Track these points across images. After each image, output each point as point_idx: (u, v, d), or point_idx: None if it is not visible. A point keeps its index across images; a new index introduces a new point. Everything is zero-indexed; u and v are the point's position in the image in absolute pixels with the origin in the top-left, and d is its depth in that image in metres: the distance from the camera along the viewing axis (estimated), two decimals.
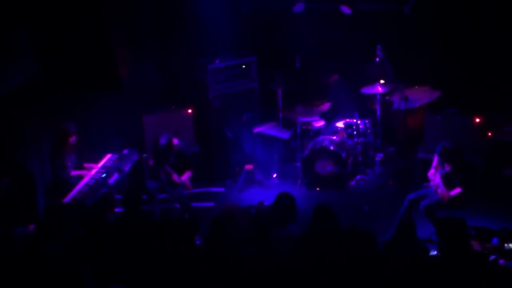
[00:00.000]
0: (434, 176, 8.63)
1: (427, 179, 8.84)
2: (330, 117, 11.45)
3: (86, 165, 9.21)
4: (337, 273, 5.77)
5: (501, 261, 7.14)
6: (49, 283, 5.84)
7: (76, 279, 5.97)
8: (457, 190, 8.37)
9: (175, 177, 9.34)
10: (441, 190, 8.45)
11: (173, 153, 9.40)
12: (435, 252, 6.95)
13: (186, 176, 9.52)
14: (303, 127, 11.12)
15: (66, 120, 9.07)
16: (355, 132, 10.96)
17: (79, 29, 9.49)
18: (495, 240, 7.67)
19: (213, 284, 5.87)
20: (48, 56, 9.60)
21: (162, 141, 9.20)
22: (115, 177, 9.11)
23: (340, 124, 11.09)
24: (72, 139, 8.95)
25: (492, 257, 7.07)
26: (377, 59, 10.34)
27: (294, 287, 5.76)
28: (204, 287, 5.92)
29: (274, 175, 11.18)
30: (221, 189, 10.96)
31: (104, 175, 8.93)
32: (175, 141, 9.40)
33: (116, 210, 7.77)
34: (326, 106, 11.50)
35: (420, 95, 10.72)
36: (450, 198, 8.38)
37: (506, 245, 7.54)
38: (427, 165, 8.93)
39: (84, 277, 6.07)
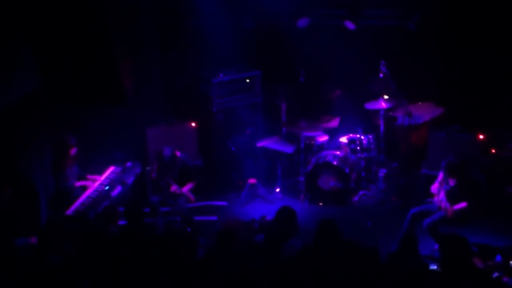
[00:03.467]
0: (438, 191, 8.62)
1: (430, 195, 8.84)
2: (334, 132, 11.44)
3: (89, 176, 9.22)
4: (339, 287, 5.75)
5: (505, 279, 7.11)
6: None
7: None
8: (462, 204, 8.35)
9: (174, 188, 9.32)
10: (445, 204, 8.43)
11: (177, 166, 9.42)
12: (435, 267, 6.92)
13: (187, 188, 9.50)
14: (307, 142, 11.11)
15: (67, 133, 9.09)
16: (358, 148, 10.94)
17: (82, 41, 9.51)
18: (498, 258, 7.63)
19: None
20: (51, 68, 9.61)
21: (167, 153, 9.23)
22: (118, 189, 9.13)
23: (343, 139, 11.09)
24: (73, 151, 8.96)
25: (495, 274, 7.04)
26: (381, 75, 10.35)
27: None
28: None
29: (277, 190, 11.17)
30: (224, 203, 10.94)
31: (107, 187, 8.93)
32: (178, 153, 9.42)
33: (119, 223, 7.76)
34: (335, 122, 11.48)
35: (424, 111, 10.72)
36: (454, 212, 8.35)
37: (511, 262, 7.49)
38: (430, 181, 8.92)
39: None
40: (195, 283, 6.01)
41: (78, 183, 9.00)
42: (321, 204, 10.70)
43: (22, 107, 8.98)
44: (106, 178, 9.22)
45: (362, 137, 11.01)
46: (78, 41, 9.46)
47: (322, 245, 6.50)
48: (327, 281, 5.84)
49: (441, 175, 8.67)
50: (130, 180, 9.38)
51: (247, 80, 11.44)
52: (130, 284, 6.18)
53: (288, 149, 10.97)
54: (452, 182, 8.46)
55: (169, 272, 6.14)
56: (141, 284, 6.12)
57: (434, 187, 8.70)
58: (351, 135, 11.10)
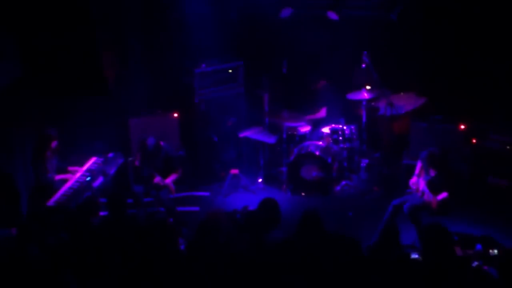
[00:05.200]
0: (417, 183, 8.67)
1: (410, 188, 8.88)
2: (316, 123, 11.46)
3: (70, 168, 9.16)
4: (321, 278, 5.77)
5: (485, 267, 7.16)
6: None
7: (59, 283, 5.93)
8: (443, 194, 8.41)
9: (157, 179, 9.32)
10: (428, 196, 8.48)
11: (161, 156, 9.41)
12: (416, 256, 6.96)
13: (171, 179, 9.49)
14: (289, 132, 11.12)
15: (47, 125, 9.02)
16: (340, 138, 10.97)
17: (65, 32, 9.47)
18: (478, 247, 7.70)
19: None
20: (33, 59, 9.57)
21: (151, 142, 9.21)
22: (99, 180, 9.08)
23: (326, 130, 11.11)
24: (53, 144, 8.88)
25: (475, 263, 7.09)
26: (363, 65, 10.37)
27: None
28: None
29: (260, 180, 11.16)
30: (206, 194, 10.93)
31: (88, 178, 8.88)
32: (161, 143, 9.40)
33: (101, 213, 7.73)
34: (322, 112, 11.51)
35: (406, 102, 10.78)
36: (438, 203, 8.41)
37: (490, 251, 7.55)
38: (412, 171, 8.97)
39: (67, 281, 6.03)
40: (177, 273, 6.01)
41: (59, 177, 8.93)
42: (303, 194, 10.72)
43: (3, 98, 8.92)
44: (88, 169, 9.17)
45: (345, 127, 11.05)
46: (60, 32, 9.43)
47: (305, 236, 6.52)
48: (309, 272, 5.86)
49: (418, 167, 8.73)
50: (112, 170, 9.34)
51: (230, 71, 11.42)
52: (112, 275, 6.18)
53: (271, 139, 10.96)
54: (432, 173, 8.52)
55: (152, 263, 6.14)
56: (123, 275, 6.12)
57: (413, 181, 8.76)
58: (333, 125, 11.13)
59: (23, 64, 9.46)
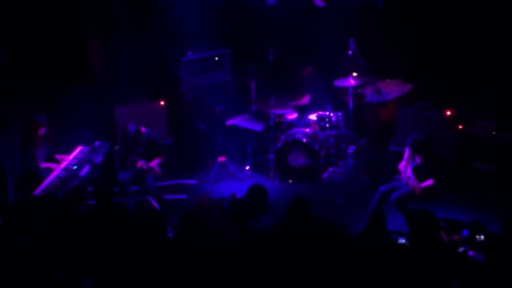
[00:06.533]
0: (405, 168, 8.71)
1: (398, 172, 8.92)
2: (303, 110, 11.46)
3: (57, 156, 9.13)
4: (310, 264, 5.79)
5: (470, 253, 7.22)
6: (18, 277, 5.77)
7: (46, 273, 5.92)
8: (429, 182, 8.45)
9: (140, 163, 9.27)
10: (412, 182, 8.53)
11: (142, 142, 9.37)
12: (403, 241, 7.01)
13: (154, 162, 9.46)
14: (276, 120, 11.10)
15: (35, 112, 8.98)
16: (327, 125, 10.98)
17: (50, 19, 9.41)
18: (465, 232, 7.74)
19: (184, 276, 5.87)
20: (18, 46, 9.50)
21: (131, 128, 9.19)
22: (86, 169, 9.07)
23: (312, 117, 11.11)
24: (41, 131, 8.85)
25: (461, 249, 7.14)
26: (350, 52, 10.37)
27: (267, 280, 5.77)
28: (175, 279, 5.90)
29: (247, 168, 11.16)
30: (194, 182, 10.92)
31: (75, 167, 8.86)
32: (143, 129, 9.37)
33: (88, 202, 7.71)
34: (306, 99, 11.50)
35: (392, 88, 10.78)
36: (421, 190, 8.47)
37: (477, 236, 7.60)
38: (399, 157, 8.99)
39: (54, 270, 6.01)
40: (166, 262, 6.01)
41: (44, 165, 8.89)
42: (290, 181, 10.73)
43: None
44: (74, 157, 9.15)
45: (331, 114, 11.06)
46: (46, 19, 9.36)
47: (294, 223, 6.54)
48: (297, 258, 5.88)
49: (407, 153, 8.76)
50: (98, 159, 9.31)
51: (216, 58, 11.39)
52: (100, 265, 6.17)
53: (258, 127, 10.95)
54: (418, 159, 8.56)
55: (139, 252, 6.13)
56: (110, 264, 6.11)
57: (402, 165, 8.80)
58: (320, 112, 11.13)
59: (8, 51, 9.39)
